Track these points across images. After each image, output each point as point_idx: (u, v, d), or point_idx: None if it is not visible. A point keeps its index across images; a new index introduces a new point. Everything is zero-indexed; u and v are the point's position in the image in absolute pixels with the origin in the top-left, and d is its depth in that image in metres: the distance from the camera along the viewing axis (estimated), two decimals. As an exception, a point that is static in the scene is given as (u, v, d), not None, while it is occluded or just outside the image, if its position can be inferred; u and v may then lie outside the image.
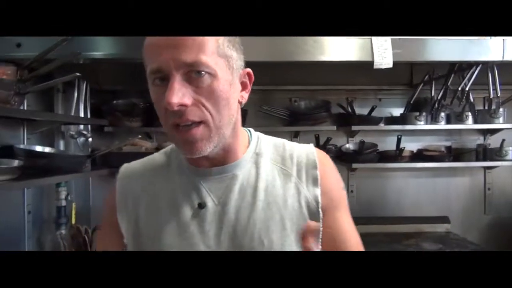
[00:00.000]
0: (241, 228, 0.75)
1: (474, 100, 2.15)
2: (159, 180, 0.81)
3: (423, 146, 2.45)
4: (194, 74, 0.68)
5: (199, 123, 0.69)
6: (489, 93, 1.71)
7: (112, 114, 2.17)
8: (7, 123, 1.63)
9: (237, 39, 0.75)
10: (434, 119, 2.29)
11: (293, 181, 0.79)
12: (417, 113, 2.27)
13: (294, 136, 2.42)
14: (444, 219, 2.35)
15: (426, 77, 2.13)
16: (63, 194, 1.88)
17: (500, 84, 2.00)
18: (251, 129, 0.85)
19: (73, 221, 1.93)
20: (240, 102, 0.76)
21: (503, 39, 1.50)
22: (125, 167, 0.85)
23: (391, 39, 1.49)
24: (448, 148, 2.44)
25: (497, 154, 2.33)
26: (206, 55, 0.68)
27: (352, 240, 0.80)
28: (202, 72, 0.68)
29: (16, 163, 1.31)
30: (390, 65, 1.48)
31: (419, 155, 2.38)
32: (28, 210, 1.75)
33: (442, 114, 2.31)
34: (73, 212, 1.94)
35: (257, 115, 2.31)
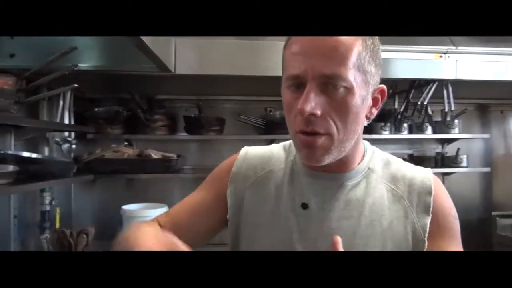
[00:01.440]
0: (340, 236, 0.71)
1: (432, 112, 2.37)
2: (271, 171, 0.82)
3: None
4: (330, 86, 0.68)
5: (324, 134, 0.69)
6: (444, 106, 1.91)
7: (94, 121, 2.24)
8: (-5, 130, 1.69)
9: (379, 54, 0.74)
10: (398, 129, 2.48)
11: (402, 204, 0.76)
12: (382, 124, 2.46)
13: (269, 144, 2.56)
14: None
15: (390, 91, 2.33)
16: (47, 199, 1.93)
17: (455, 99, 2.23)
18: (367, 143, 0.84)
19: (57, 225, 1.98)
20: (368, 118, 0.75)
21: (456, 60, 1.70)
22: (246, 149, 0.88)
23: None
24: (410, 156, 2.65)
25: (453, 161, 2.55)
26: (346, 68, 0.67)
27: None
28: (339, 86, 0.67)
29: (11, 168, 1.37)
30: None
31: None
32: (14, 214, 1.81)
33: (405, 124, 2.51)
34: (58, 216, 1.99)
35: (235, 124, 2.44)
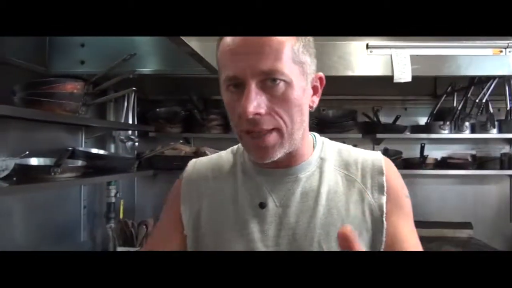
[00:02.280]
0: (300, 232, 0.74)
1: (499, 110, 2.23)
2: (223, 177, 0.82)
3: (448, 154, 2.53)
4: (269, 82, 0.68)
5: (272, 130, 0.69)
6: (506, 104, 1.80)
7: (155, 121, 2.41)
8: (69, 129, 1.88)
9: (311, 43, 0.73)
10: (458, 128, 2.37)
11: (357, 187, 0.76)
12: (441, 122, 2.36)
13: (322, 143, 2.57)
14: (467, 225, 2.42)
15: (449, 88, 2.24)
16: (113, 192, 2.11)
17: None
18: (316, 134, 0.84)
19: (121, 216, 2.16)
20: (311, 107, 0.75)
21: (518, 55, 1.60)
22: (193, 162, 0.87)
23: (410, 55, 1.63)
24: (473, 156, 2.51)
25: (521, 163, 2.39)
26: (282, 63, 0.67)
27: (411, 243, 0.74)
28: (278, 80, 0.67)
29: (80, 163, 1.53)
30: (409, 79, 1.61)
31: (444, 163, 2.47)
32: (84, 205, 2.00)
33: (467, 123, 2.39)
34: (121, 208, 2.17)
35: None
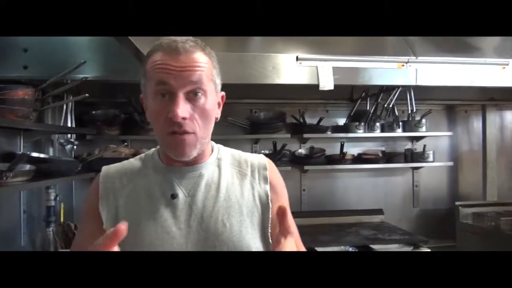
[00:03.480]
0: (207, 214, 0.90)
1: (403, 112, 2.63)
2: (137, 177, 0.95)
3: (363, 151, 2.90)
4: (192, 94, 0.85)
5: (191, 133, 0.86)
6: (407, 108, 2.17)
7: (93, 124, 2.43)
8: (7, 133, 1.87)
9: (218, 70, 0.92)
10: (371, 128, 2.74)
11: (248, 179, 0.96)
12: (357, 123, 2.71)
13: (255, 143, 2.79)
14: (379, 211, 2.82)
15: (363, 94, 2.58)
16: (52, 195, 2.11)
17: (423, 100, 2.51)
18: (212, 141, 1.01)
19: (62, 219, 2.17)
20: (216, 118, 0.94)
21: (416, 69, 1.96)
22: (108, 167, 0.99)
23: (333, 67, 1.90)
24: (383, 152, 2.91)
25: (421, 157, 2.83)
26: (204, 80, 0.86)
27: (294, 227, 0.92)
28: (199, 94, 0.86)
29: (28, 167, 1.56)
30: (332, 87, 1.88)
31: (360, 158, 2.83)
32: (23, 209, 1.99)
33: (378, 124, 2.77)
34: (62, 211, 2.18)
35: (222, 124, 2.65)
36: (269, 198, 0.95)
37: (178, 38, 0.87)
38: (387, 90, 2.27)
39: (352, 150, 2.87)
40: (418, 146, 2.92)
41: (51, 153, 2.18)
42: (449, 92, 2.80)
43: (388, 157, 2.85)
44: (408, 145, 2.99)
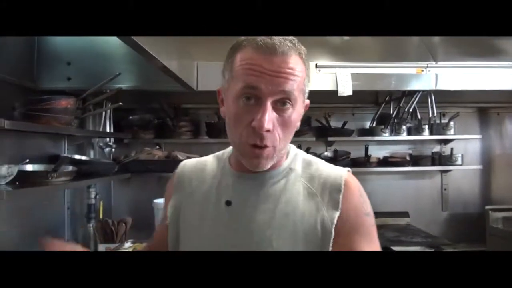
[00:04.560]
0: (255, 229, 0.81)
1: (421, 116, 2.64)
2: (205, 178, 0.91)
3: (389, 153, 2.92)
4: (280, 104, 0.75)
5: (270, 147, 0.77)
6: (428, 111, 2.20)
7: (129, 128, 2.62)
8: (54, 138, 2.08)
9: (311, 73, 0.83)
10: (397, 131, 2.76)
11: (315, 200, 0.82)
12: (382, 126, 2.74)
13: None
14: (405, 214, 2.83)
15: (387, 98, 2.62)
16: (93, 194, 2.32)
17: (453, 103, 2.51)
18: (292, 146, 0.90)
19: (101, 215, 2.37)
20: (296, 127, 0.83)
21: (436, 74, 1.98)
22: (183, 163, 0.97)
23: (351, 73, 1.97)
24: (410, 155, 2.91)
25: (449, 160, 2.81)
26: (296, 89, 0.76)
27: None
28: (288, 104, 0.76)
29: (70, 168, 1.75)
30: (350, 93, 1.95)
31: (386, 161, 2.85)
32: (67, 206, 2.20)
33: (404, 127, 2.78)
34: (101, 208, 2.38)
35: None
36: (333, 226, 0.79)
37: (275, 37, 0.77)
38: (410, 94, 2.30)
39: (379, 153, 2.89)
40: (447, 149, 2.90)
41: (91, 156, 2.38)
42: (481, 95, 2.76)
43: (415, 160, 2.86)
44: (436, 148, 2.98)
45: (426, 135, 2.79)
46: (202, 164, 0.95)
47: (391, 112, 2.59)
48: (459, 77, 2.00)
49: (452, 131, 2.79)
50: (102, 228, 2.29)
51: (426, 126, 2.77)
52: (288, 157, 0.88)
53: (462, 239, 2.87)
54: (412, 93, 2.27)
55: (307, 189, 0.84)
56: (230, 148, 0.91)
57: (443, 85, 1.99)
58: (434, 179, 3.01)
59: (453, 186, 3.01)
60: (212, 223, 0.85)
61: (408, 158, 2.87)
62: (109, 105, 2.06)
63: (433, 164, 2.85)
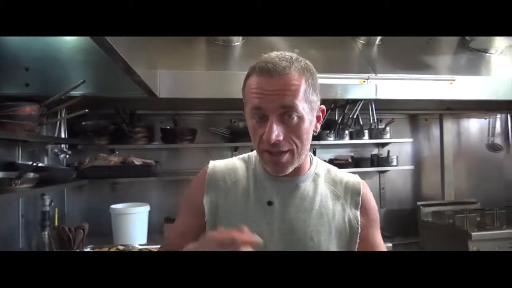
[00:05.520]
0: (298, 226, 0.93)
1: (363, 122, 2.91)
2: (238, 180, 1.00)
3: (334, 156, 3.17)
4: (286, 116, 0.86)
5: (287, 151, 0.89)
6: (369, 118, 2.46)
7: (84, 134, 2.60)
8: (7, 145, 2.04)
9: (318, 85, 0.93)
10: (340, 136, 3.00)
11: (341, 202, 0.98)
12: (328, 131, 2.97)
13: (234, 150, 3.01)
14: (348, 211, 3.07)
15: (332, 105, 2.85)
16: (47, 201, 2.28)
17: (389, 110, 2.80)
18: (312, 154, 1.04)
19: (57, 223, 2.34)
20: (315, 132, 0.95)
21: (376, 84, 2.23)
22: (214, 163, 1.04)
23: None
24: (352, 157, 3.17)
25: (386, 161, 3.11)
26: (297, 102, 0.85)
27: (379, 246, 1.01)
28: (293, 115, 0.86)
29: (32, 175, 1.74)
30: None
31: (331, 163, 3.06)
32: (21, 214, 2.16)
33: (346, 132, 3.03)
34: (57, 215, 2.35)
35: (205, 134, 2.87)
36: (359, 223, 0.96)
37: (274, 55, 0.89)
38: (353, 102, 2.54)
39: (325, 155, 3.13)
40: (384, 152, 3.20)
41: (46, 162, 2.35)
42: (412, 103, 3.09)
43: (356, 162, 3.12)
44: (375, 151, 3.27)
45: (366, 139, 3.06)
46: (231, 165, 1.04)
47: (336, 118, 2.82)
48: (395, 88, 2.26)
49: (388, 135, 3.09)
50: (58, 235, 2.27)
51: (366, 131, 3.05)
52: (312, 164, 1.02)
53: (399, 232, 3.19)
54: (355, 101, 2.51)
55: (332, 192, 0.99)
56: (254, 152, 1.01)
57: (382, 95, 2.24)
58: (373, 179, 3.30)
59: (389, 185, 3.32)
60: (253, 221, 0.93)
61: (350, 160, 3.13)
62: (66, 113, 2.06)
63: (372, 166, 3.12)
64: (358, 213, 0.97)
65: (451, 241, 2.74)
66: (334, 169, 1.05)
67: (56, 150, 2.34)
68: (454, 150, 3.37)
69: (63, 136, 2.36)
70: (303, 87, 0.87)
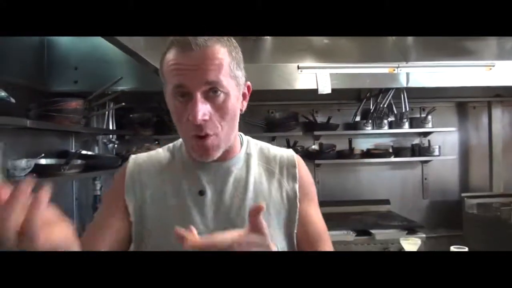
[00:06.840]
0: (233, 212, 0.87)
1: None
2: (164, 170, 0.92)
3: (372, 146, 3.14)
4: (211, 93, 0.78)
5: (212, 135, 0.81)
6: (401, 107, 2.42)
7: (130, 126, 2.83)
8: (63, 135, 2.30)
9: (241, 58, 0.85)
10: (378, 125, 2.98)
11: (276, 177, 0.92)
12: (365, 121, 2.96)
13: (272, 140, 3.10)
14: (385, 201, 3.05)
15: (368, 94, 2.83)
16: (98, 186, 2.53)
17: (434, 98, 2.73)
18: (242, 134, 0.96)
19: (106, 206, 2.59)
20: (241, 110, 0.86)
21: (407, 72, 2.20)
22: (135, 157, 0.94)
23: (330, 73, 2.18)
24: (391, 147, 3.13)
25: (427, 151, 3.03)
26: (222, 77, 0.78)
27: (318, 223, 0.92)
28: (219, 92, 0.79)
29: (79, 161, 1.96)
30: (329, 91, 2.16)
31: (369, 153, 3.07)
32: (75, 197, 2.42)
33: (385, 121, 3.00)
34: (106, 199, 2.59)
35: (241, 125, 2.97)
36: (297, 197, 0.91)
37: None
38: (386, 91, 2.51)
39: (363, 145, 3.11)
40: (427, 141, 3.12)
41: (96, 151, 2.60)
42: (457, 90, 2.97)
43: (396, 151, 3.07)
44: (416, 141, 3.19)
45: (406, 128, 3.00)
46: (155, 157, 0.95)
47: (371, 107, 2.80)
48: (428, 76, 2.21)
49: (430, 124, 3.01)
50: (107, 217, 2.51)
51: (406, 120, 2.99)
52: (243, 144, 0.95)
53: (442, 224, 3.11)
54: (387, 90, 2.48)
55: (267, 170, 0.94)
56: (180, 140, 0.94)
57: (414, 83, 2.20)
58: (416, 170, 3.23)
59: (433, 175, 3.23)
60: (185, 213, 0.87)
61: (390, 150, 3.09)
62: (112, 105, 2.28)
63: (413, 155, 3.06)
64: (297, 186, 0.92)
65: (495, 234, 2.63)
66: (266, 145, 0.99)
67: (105, 140, 2.58)
68: (504, 139, 3.19)
69: (111, 128, 2.59)
70: (227, 60, 0.80)
